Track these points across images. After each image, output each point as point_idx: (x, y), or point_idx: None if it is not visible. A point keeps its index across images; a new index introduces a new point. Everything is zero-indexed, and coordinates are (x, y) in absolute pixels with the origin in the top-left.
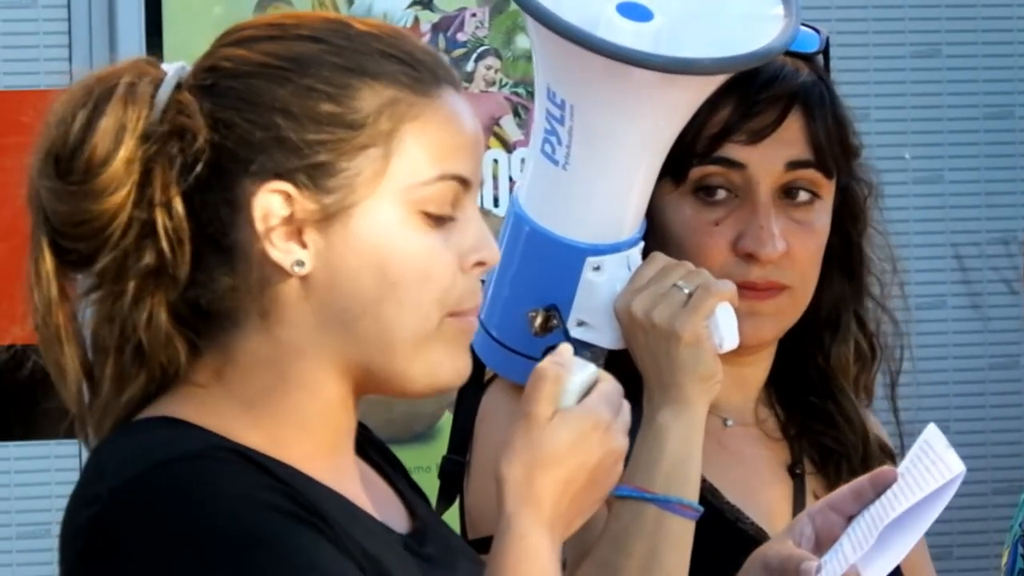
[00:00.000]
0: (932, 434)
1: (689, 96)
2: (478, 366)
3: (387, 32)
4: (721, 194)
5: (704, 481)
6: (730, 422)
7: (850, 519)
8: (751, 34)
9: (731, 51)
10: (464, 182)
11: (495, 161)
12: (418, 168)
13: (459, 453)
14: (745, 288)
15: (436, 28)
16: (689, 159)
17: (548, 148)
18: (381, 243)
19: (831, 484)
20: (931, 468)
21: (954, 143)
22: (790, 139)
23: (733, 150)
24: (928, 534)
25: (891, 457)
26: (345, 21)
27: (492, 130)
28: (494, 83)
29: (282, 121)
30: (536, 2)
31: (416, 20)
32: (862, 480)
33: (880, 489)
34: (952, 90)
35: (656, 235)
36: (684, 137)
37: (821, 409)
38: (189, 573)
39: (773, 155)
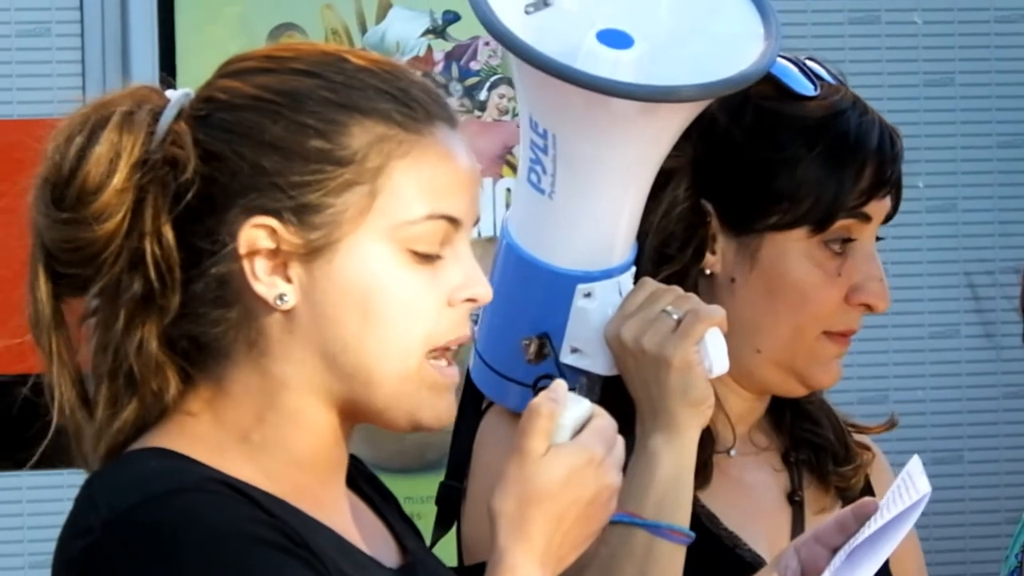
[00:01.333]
0: (913, 464)
1: (671, 122)
2: (475, 393)
3: (383, 67)
4: (843, 246)
5: (703, 507)
6: (733, 452)
7: (834, 551)
8: (733, 56)
9: (712, 75)
10: (454, 221)
11: (508, 190)
12: (406, 206)
13: (457, 479)
14: (847, 335)
15: (449, 57)
16: (837, 211)
17: (534, 177)
18: (365, 280)
19: (823, 479)
20: (904, 494)
21: (967, 172)
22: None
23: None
24: (942, 563)
25: (868, 447)
26: (342, 55)
27: (504, 159)
28: (507, 112)
29: (270, 156)
30: (511, 34)
31: (429, 49)
32: (845, 512)
33: (862, 520)
34: (965, 119)
35: (760, 279)
36: (828, 189)
37: (804, 409)
38: None
39: (880, 207)
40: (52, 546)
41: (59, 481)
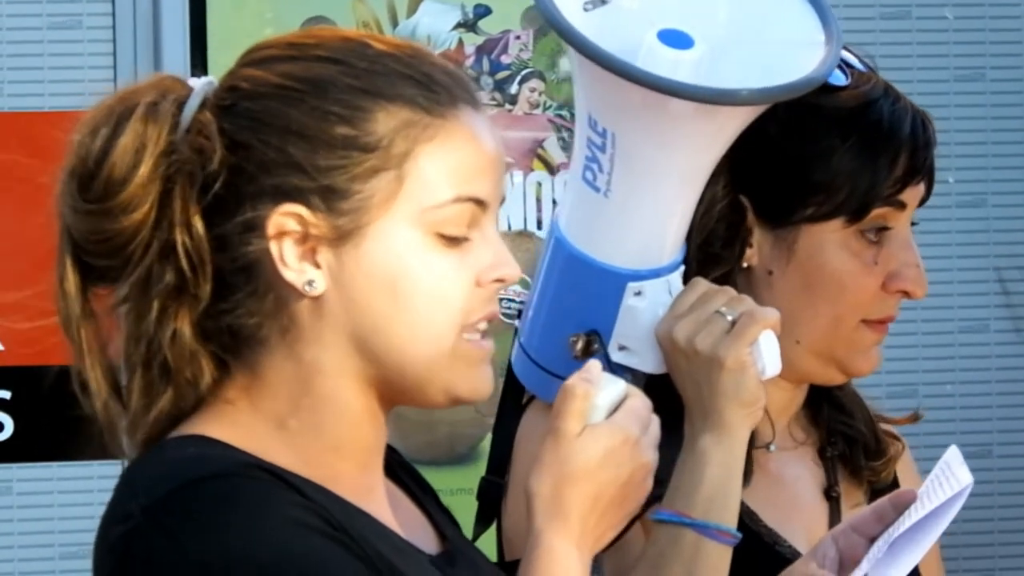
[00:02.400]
0: (951, 454)
1: (729, 125)
2: (517, 388)
3: (406, 51)
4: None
5: (742, 504)
6: (773, 447)
7: (872, 540)
8: (792, 61)
9: (771, 79)
10: (480, 203)
11: (539, 184)
12: (433, 190)
13: (498, 474)
14: (886, 322)
15: (480, 50)
16: (873, 201)
17: (589, 175)
18: (393, 265)
19: (855, 473)
20: (944, 484)
21: (997, 167)
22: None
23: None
24: (971, 557)
25: (898, 438)
26: (364, 41)
27: (536, 152)
28: (538, 105)
29: (296, 143)
30: (576, 31)
31: (460, 42)
32: (883, 501)
33: (900, 510)
34: (996, 114)
35: (798, 271)
36: (862, 180)
37: (837, 400)
38: None
39: (915, 193)
40: (83, 537)
41: (89, 472)
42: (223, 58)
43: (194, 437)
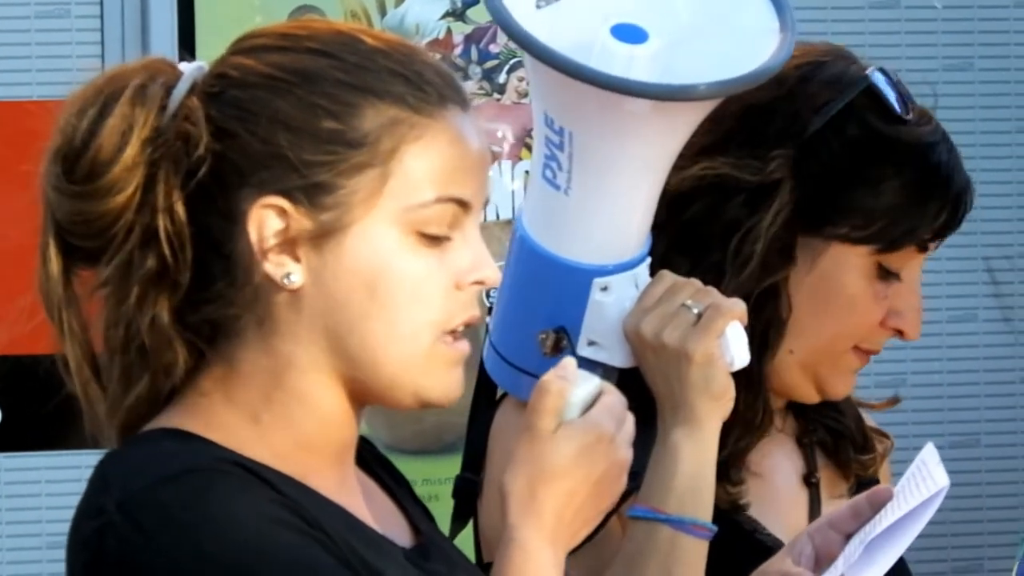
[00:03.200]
0: (928, 452)
1: (686, 119)
2: (489, 385)
3: (397, 48)
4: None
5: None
6: None
7: (848, 537)
8: (748, 51)
9: (727, 71)
10: (463, 204)
11: (527, 173)
12: (416, 190)
13: (472, 471)
14: (871, 354)
15: (469, 39)
16: (910, 240)
17: (549, 173)
18: (373, 263)
19: (841, 465)
20: (920, 484)
21: (986, 156)
22: None
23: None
24: (959, 546)
25: (886, 435)
26: (356, 35)
27: (524, 141)
28: (526, 94)
29: (283, 136)
30: (526, 33)
31: (449, 31)
32: (860, 499)
33: (877, 507)
34: (985, 103)
35: (809, 279)
36: (908, 216)
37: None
38: None
39: (937, 244)
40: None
41: (77, 462)
42: (211, 46)
43: (169, 431)
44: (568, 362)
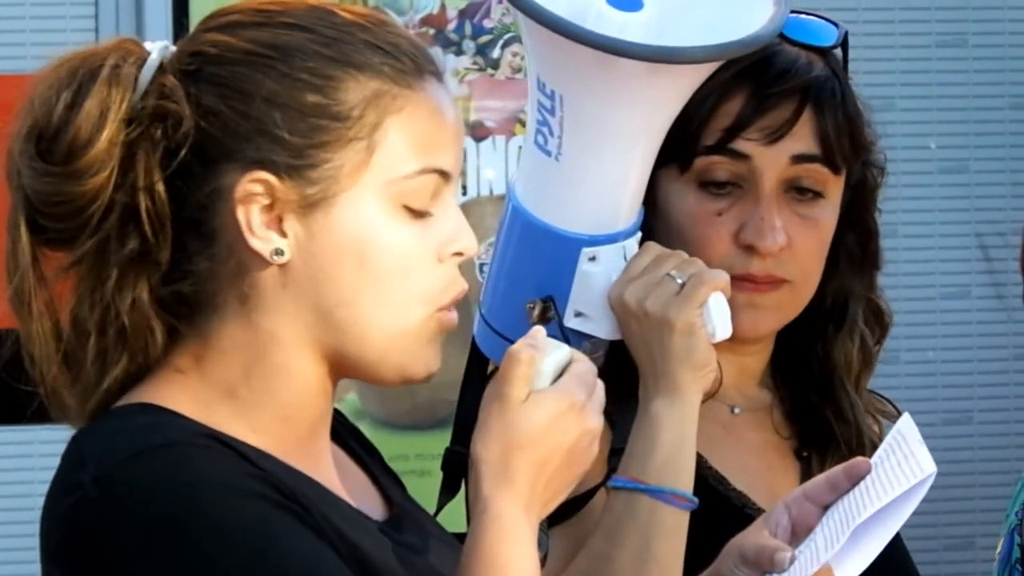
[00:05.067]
0: (906, 425)
1: (679, 84)
2: (480, 357)
3: (372, 21)
4: (726, 185)
5: (711, 468)
6: (737, 409)
7: (826, 508)
8: (742, 20)
9: (721, 38)
10: (444, 175)
11: (520, 148)
12: (400, 162)
13: (462, 444)
14: (745, 280)
15: (462, 14)
16: (696, 149)
17: (540, 139)
18: (361, 236)
19: (822, 468)
20: (903, 464)
21: (980, 133)
22: (798, 133)
23: (741, 144)
24: (951, 523)
25: (890, 411)
26: (329, 9)
27: (517, 117)
28: (520, 70)
29: (267, 110)
30: None
31: (443, 6)
32: (837, 471)
33: (855, 480)
34: (978, 80)
35: (660, 220)
36: (691, 124)
37: (815, 402)
38: (171, 560)
39: (779, 148)
40: None
41: (65, 436)
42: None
43: (143, 405)
44: (537, 330)
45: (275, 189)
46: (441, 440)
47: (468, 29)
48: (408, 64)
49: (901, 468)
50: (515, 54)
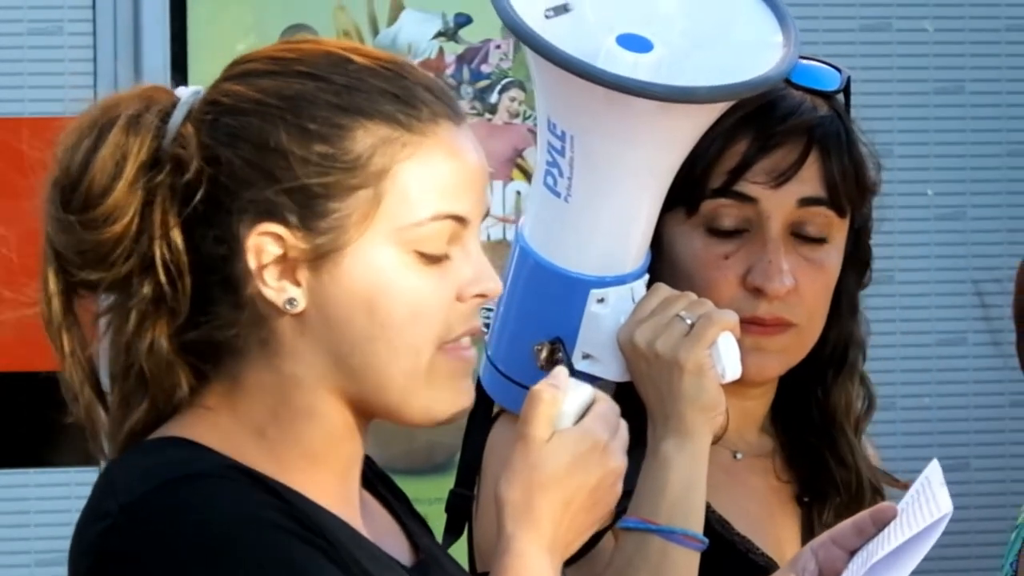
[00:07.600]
0: (932, 470)
1: (689, 124)
2: (485, 400)
3: (387, 66)
4: (732, 228)
5: (714, 513)
6: (739, 455)
7: (852, 553)
8: (752, 63)
9: (731, 79)
10: (460, 220)
11: (518, 193)
12: (411, 208)
13: (466, 486)
14: (752, 323)
15: (461, 59)
16: (703, 192)
17: (550, 180)
18: (372, 284)
19: (821, 514)
20: (924, 506)
21: (977, 180)
22: (804, 176)
23: (748, 187)
24: (947, 570)
25: (882, 497)
26: (345, 55)
27: (515, 162)
28: (518, 115)
29: (274, 161)
30: (535, 34)
31: (441, 51)
32: (864, 515)
33: (880, 525)
34: (975, 127)
35: (666, 264)
36: (698, 167)
37: (815, 446)
38: None
39: (786, 191)
40: (59, 544)
41: (66, 479)
42: (203, 64)
43: (174, 439)
44: (560, 370)
45: (286, 240)
46: (436, 484)
47: (466, 74)
48: (422, 109)
49: (922, 510)
50: (513, 99)
